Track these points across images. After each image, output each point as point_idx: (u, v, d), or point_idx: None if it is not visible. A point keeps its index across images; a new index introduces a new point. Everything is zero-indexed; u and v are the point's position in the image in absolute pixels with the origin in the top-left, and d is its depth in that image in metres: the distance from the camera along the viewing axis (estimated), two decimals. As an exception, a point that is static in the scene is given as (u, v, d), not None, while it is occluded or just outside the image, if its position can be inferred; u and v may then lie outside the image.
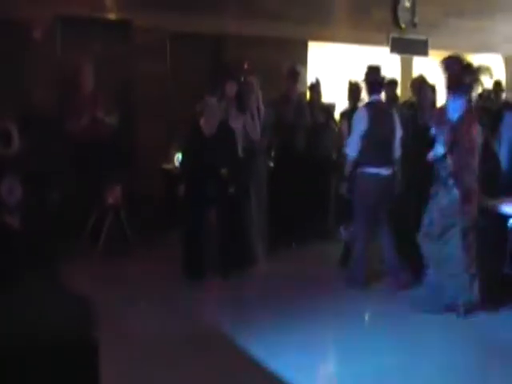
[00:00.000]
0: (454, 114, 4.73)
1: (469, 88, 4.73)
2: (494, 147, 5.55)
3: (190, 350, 4.13)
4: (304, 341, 4.33)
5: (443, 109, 4.95)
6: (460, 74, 4.74)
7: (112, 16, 6.66)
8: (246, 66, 6.53)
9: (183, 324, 4.56)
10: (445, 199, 4.74)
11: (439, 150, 4.73)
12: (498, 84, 7.77)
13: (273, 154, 6.31)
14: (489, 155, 5.28)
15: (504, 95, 7.44)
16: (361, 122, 5.25)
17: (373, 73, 5.37)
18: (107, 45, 6.70)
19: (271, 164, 6.39)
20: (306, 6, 7.57)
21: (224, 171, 5.54)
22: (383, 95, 5.63)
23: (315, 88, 7.04)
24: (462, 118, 4.71)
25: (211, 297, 5.24)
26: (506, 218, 4.93)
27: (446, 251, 4.76)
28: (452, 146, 4.66)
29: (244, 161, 5.79)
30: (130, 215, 6.24)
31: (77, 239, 5.96)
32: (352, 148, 5.28)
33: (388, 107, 5.58)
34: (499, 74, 9.59)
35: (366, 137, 5.21)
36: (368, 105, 5.37)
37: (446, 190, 4.73)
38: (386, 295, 5.25)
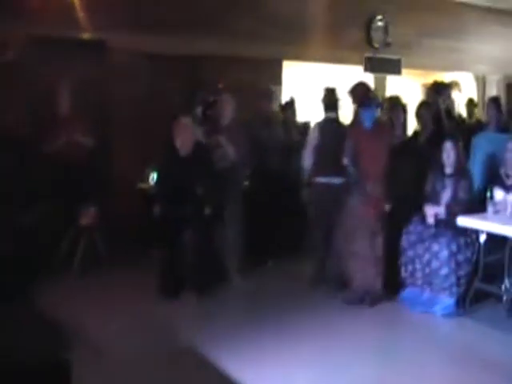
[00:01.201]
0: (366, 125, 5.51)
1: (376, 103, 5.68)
2: (466, 165, 5.65)
3: (165, 366, 4.14)
4: (278, 355, 4.36)
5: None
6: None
7: (87, 36, 6.65)
8: (220, 86, 6.57)
9: (159, 342, 4.55)
10: (352, 202, 5.44)
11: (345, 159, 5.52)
12: (471, 101, 7.92)
13: (248, 172, 6.31)
14: (461, 173, 5.42)
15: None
16: (313, 137, 5.85)
17: (328, 94, 5.89)
18: (82, 65, 6.67)
19: (246, 183, 6.40)
20: (280, 26, 7.64)
21: (199, 190, 5.55)
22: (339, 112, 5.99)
23: (289, 107, 7.10)
24: (368, 130, 5.46)
25: (186, 314, 5.22)
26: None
27: (354, 249, 5.42)
28: (355, 155, 5.42)
29: (219, 180, 5.79)
30: (105, 235, 6.21)
31: (51, 261, 5.91)
32: (305, 160, 5.87)
33: (340, 123, 5.95)
34: (471, 92, 9.80)
35: (318, 150, 5.76)
36: (321, 121, 5.90)
37: (353, 194, 5.44)
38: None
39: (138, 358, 4.27)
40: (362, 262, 5.41)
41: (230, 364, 4.15)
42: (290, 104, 7.13)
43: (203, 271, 5.56)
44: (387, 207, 5.45)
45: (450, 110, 6.68)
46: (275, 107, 7.10)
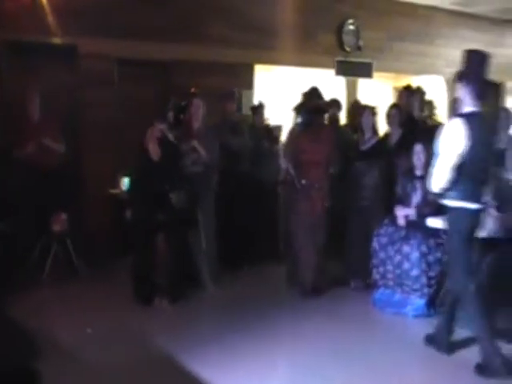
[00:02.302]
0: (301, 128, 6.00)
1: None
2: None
3: (137, 374, 4.12)
4: (251, 361, 4.38)
5: None
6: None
7: (58, 41, 6.60)
8: (192, 91, 6.57)
9: (131, 349, 4.53)
10: (295, 200, 5.91)
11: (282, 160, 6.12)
12: (429, 103, 8.05)
13: (218, 177, 6.31)
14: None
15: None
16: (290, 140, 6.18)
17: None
18: (53, 70, 6.64)
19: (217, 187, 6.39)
20: (252, 31, 7.67)
21: (172, 196, 5.54)
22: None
23: (258, 110, 7.13)
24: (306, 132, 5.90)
25: (159, 321, 5.20)
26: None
27: (299, 245, 5.89)
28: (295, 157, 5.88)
29: (192, 185, 5.79)
30: (77, 241, 6.17)
31: (23, 267, 5.85)
32: (284, 161, 6.10)
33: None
34: (442, 95, 9.91)
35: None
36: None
37: (296, 192, 5.87)
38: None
39: (110, 365, 4.24)
40: (306, 256, 5.80)
41: (203, 371, 4.14)
42: (259, 108, 7.17)
43: (176, 277, 5.55)
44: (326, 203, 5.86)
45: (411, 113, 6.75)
46: (244, 110, 7.13)
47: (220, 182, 6.20)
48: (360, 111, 6.41)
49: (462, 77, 4.29)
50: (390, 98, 9.04)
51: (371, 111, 6.31)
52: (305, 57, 8.24)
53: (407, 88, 6.95)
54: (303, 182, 5.82)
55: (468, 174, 4.19)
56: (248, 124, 7.04)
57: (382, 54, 9.12)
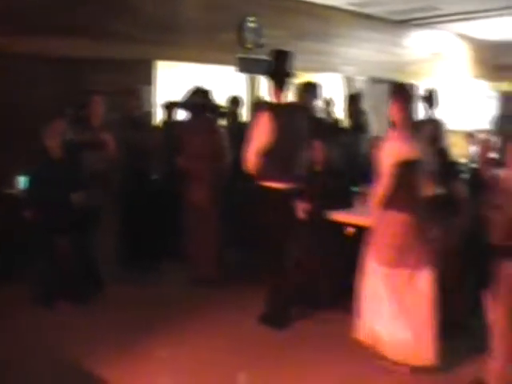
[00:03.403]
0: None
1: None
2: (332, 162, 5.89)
3: (40, 376, 4.11)
4: (154, 361, 4.41)
5: None
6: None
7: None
8: (92, 88, 6.44)
9: (34, 351, 4.49)
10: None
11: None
12: (327, 102, 8.35)
13: (120, 175, 6.22)
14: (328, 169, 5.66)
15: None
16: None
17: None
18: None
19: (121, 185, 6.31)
20: (154, 28, 7.60)
21: (74, 196, 5.41)
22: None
23: (172, 108, 7.16)
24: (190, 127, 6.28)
25: (61, 324, 5.07)
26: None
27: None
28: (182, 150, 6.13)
29: (94, 183, 5.68)
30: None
31: None
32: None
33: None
34: (341, 92, 10.23)
35: None
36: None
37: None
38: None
39: (12, 368, 4.18)
40: (194, 245, 6.11)
41: (105, 373, 4.13)
42: (174, 105, 7.19)
43: (78, 279, 5.44)
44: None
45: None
46: (150, 108, 7.10)
47: (123, 179, 6.13)
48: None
49: (267, 72, 5.11)
50: (290, 95, 9.20)
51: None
52: (206, 53, 8.25)
53: (305, 85, 7.11)
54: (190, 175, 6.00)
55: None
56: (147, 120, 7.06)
57: (283, 52, 9.27)
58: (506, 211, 3.65)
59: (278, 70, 5.03)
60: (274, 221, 4.96)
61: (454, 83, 12.66)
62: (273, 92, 5.03)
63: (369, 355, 4.37)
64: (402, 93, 4.37)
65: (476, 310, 4.19)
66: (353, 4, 9.74)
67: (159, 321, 5.16)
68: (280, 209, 4.95)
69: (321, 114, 7.16)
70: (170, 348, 4.68)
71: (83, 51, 6.88)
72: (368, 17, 10.54)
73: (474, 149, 9.71)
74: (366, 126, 8.36)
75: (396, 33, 11.29)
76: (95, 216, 5.72)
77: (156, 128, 7.34)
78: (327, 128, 6.54)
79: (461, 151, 11.06)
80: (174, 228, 6.57)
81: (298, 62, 9.42)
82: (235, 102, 7.28)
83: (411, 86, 4.72)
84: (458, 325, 4.62)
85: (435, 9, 10.06)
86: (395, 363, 4.25)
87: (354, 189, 5.78)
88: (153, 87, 7.68)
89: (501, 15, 10.44)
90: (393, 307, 4.23)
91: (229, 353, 4.59)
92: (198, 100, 6.20)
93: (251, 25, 8.78)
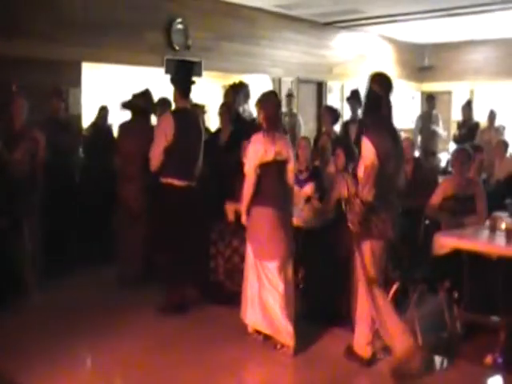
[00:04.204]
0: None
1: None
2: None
3: None
4: (73, 370, 4.33)
5: None
6: None
7: None
8: (14, 88, 6.26)
9: None
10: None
11: None
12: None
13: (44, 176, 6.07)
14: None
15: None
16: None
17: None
18: None
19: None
20: (78, 28, 7.45)
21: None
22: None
23: (104, 111, 7.13)
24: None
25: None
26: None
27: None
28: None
29: (17, 185, 5.53)
30: None
31: None
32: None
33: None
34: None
35: None
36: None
37: None
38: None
39: None
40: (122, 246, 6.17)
41: (22, 379, 4.06)
42: (106, 108, 7.14)
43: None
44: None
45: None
46: (77, 110, 7.00)
47: (48, 180, 5.99)
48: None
49: (171, 80, 5.54)
50: (220, 97, 9.24)
51: (201, 110, 6.49)
52: (133, 55, 8.16)
53: (233, 86, 7.18)
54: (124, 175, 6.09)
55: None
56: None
57: (211, 54, 9.29)
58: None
59: (181, 78, 5.59)
60: (171, 215, 5.30)
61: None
62: (177, 98, 5.47)
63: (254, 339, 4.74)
64: (268, 101, 4.71)
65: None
66: (279, 6, 9.84)
67: (84, 326, 5.06)
68: (177, 204, 5.26)
69: (248, 115, 7.24)
70: (98, 354, 4.61)
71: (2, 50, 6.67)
72: (294, 19, 10.68)
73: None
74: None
75: (322, 35, 11.49)
76: (16, 218, 5.55)
77: (82, 130, 7.23)
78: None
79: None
80: (99, 229, 6.49)
81: (225, 63, 9.60)
82: (165, 103, 7.22)
83: (276, 93, 5.09)
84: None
85: (360, 11, 10.30)
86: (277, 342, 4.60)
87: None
88: (78, 89, 7.55)
89: (423, 18, 10.80)
90: (261, 294, 4.61)
91: (151, 353, 4.58)
92: (140, 102, 6.26)
93: (179, 26, 8.75)
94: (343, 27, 11.74)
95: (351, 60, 12.24)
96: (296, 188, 6.03)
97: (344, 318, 4.85)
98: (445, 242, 4.66)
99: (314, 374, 4.30)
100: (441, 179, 6.33)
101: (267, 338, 4.68)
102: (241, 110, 7.16)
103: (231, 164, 5.94)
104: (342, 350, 4.44)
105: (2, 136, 5.64)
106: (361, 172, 4.12)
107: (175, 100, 5.51)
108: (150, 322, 5.22)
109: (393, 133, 4.29)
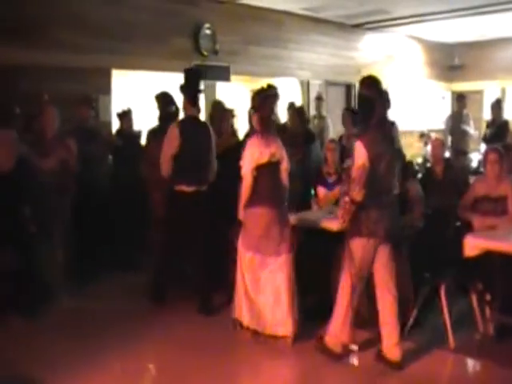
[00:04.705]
0: None
1: None
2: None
3: None
4: (107, 376, 4.34)
5: None
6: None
7: None
8: (45, 98, 6.37)
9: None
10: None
11: None
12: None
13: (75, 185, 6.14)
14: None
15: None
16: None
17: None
18: None
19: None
20: (106, 36, 7.56)
21: (25, 209, 5.32)
22: None
23: (126, 115, 7.13)
24: None
25: (12, 339, 4.95)
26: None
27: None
28: None
29: (47, 195, 5.61)
30: None
31: None
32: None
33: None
34: (297, 96, 10.34)
35: None
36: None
37: None
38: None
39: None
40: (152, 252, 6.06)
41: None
42: (127, 113, 7.16)
43: (28, 291, 5.32)
44: None
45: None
46: (103, 116, 7.05)
47: (78, 190, 6.06)
48: (220, 114, 6.57)
49: (180, 89, 5.59)
50: (248, 101, 9.27)
51: (230, 114, 6.51)
52: (161, 61, 8.25)
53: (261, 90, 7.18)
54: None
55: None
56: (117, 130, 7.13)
57: (239, 58, 9.34)
58: None
59: (190, 86, 5.61)
60: (178, 221, 5.46)
61: (408, 84, 12.89)
62: (186, 106, 5.57)
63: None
64: (263, 103, 4.82)
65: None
66: (306, 9, 9.85)
67: (111, 335, 5.02)
68: (184, 209, 5.42)
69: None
70: (123, 358, 4.62)
71: (26, 59, 6.76)
72: (321, 21, 10.67)
73: (427, 149, 9.92)
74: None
75: (349, 37, 11.46)
76: (47, 227, 5.61)
77: (112, 137, 7.29)
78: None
79: (415, 151, 11.33)
80: (126, 238, 6.55)
81: (253, 67, 9.63)
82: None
83: (273, 96, 5.00)
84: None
85: (386, 12, 10.24)
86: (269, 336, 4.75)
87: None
88: (108, 96, 7.65)
89: (451, 17, 10.69)
90: (253, 287, 4.78)
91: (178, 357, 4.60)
92: (171, 109, 6.27)
93: (206, 31, 8.81)
94: (370, 28, 11.69)
95: (379, 61, 12.17)
96: (325, 190, 6.06)
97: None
98: (476, 244, 4.60)
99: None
100: (472, 179, 6.25)
101: (257, 333, 4.79)
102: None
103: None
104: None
105: (34, 145, 5.72)
106: (353, 172, 4.22)
107: (184, 108, 5.63)
108: (175, 326, 5.23)
109: (387, 134, 4.41)
